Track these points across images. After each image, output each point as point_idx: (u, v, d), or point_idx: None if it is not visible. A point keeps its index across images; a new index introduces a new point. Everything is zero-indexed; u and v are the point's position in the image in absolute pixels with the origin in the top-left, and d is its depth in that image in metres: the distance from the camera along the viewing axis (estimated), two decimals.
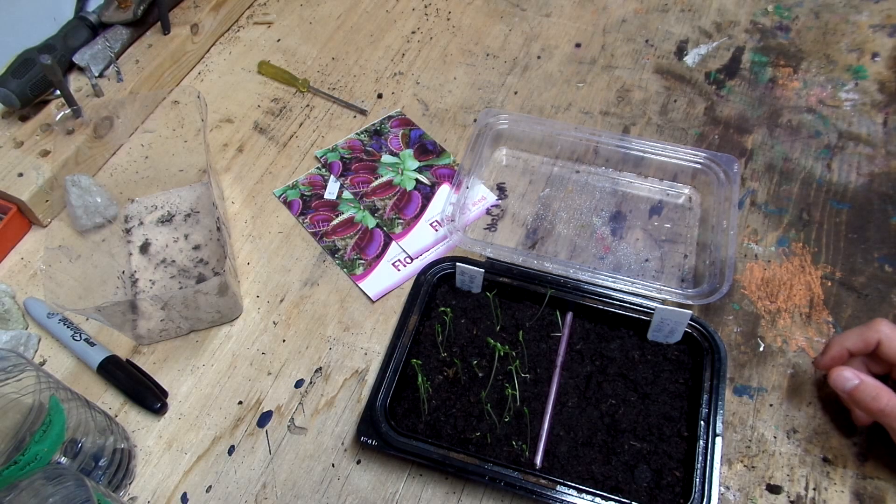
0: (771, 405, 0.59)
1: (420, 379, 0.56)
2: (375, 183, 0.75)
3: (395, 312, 0.66)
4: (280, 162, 0.77)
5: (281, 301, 0.67)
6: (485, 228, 0.71)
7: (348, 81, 0.85)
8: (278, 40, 0.90)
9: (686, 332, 0.59)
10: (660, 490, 0.53)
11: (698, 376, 0.57)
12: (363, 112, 0.81)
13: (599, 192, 0.73)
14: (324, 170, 0.76)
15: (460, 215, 0.68)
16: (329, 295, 0.67)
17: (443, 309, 0.61)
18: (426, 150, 0.78)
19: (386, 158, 0.77)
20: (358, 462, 0.57)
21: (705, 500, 0.51)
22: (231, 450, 0.58)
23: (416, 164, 0.76)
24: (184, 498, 0.56)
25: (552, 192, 0.73)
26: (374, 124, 0.80)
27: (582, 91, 0.82)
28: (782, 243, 0.69)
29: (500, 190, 0.74)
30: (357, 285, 0.67)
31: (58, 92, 0.74)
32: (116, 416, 0.60)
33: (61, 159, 0.71)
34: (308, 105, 0.83)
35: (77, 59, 0.78)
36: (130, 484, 0.57)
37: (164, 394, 0.61)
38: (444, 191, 0.74)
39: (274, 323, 0.66)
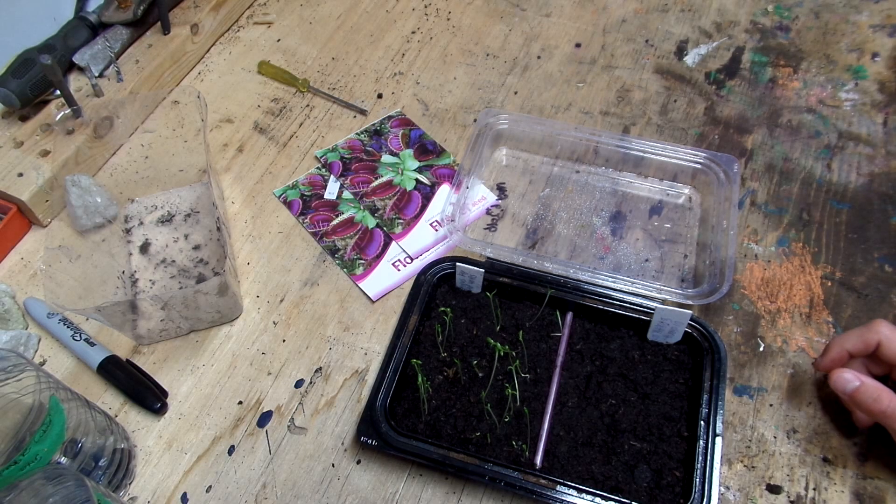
0: (771, 405, 0.59)
1: (420, 379, 0.56)
2: (375, 183, 0.75)
3: (395, 312, 0.66)
4: (280, 162, 0.77)
5: (281, 301, 0.67)
6: (485, 228, 0.71)
7: (348, 81, 0.85)
8: (278, 40, 0.90)
9: (686, 332, 0.59)
10: (660, 490, 0.53)
11: (698, 376, 0.57)
12: (363, 112, 0.81)
13: (599, 192, 0.73)
14: (324, 170, 0.76)
15: (460, 215, 0.68)
16: (329, 295, 0.67)
17: (443, 309, 0.61)
18: (426, 150, 0.78)
19: (386, 158, 0.77)
20: (358, 462, 0.57)
21: (705, 500, 0.51)
22: (231, 450, 0.58)
23: (416, 164, 0.76)
24: (184, 498, 0.56)
25: (552, 192, 0.73)
26: (374, 124, 0.80)
27: (582, 91, 0.82)
28: (782, 243, 0.69)
29: (500, 190, 0.74)
30: (357, 285, 0.67)
31: (58, 92, 0.74)
32: (116, 416, 0.60)
33: (61, 159, 0.71)
34: (308, 105, 0.83)
35: (77, 59, 0.78)
36: (130, 484, 0.57)
37: (164, 394, 0.61)
38: (444, 191, 0.74)
39: (274, 323, 0.66)
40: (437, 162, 0.76)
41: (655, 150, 0.71)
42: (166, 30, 0.84)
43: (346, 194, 0.74)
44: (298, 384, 0.62)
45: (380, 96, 0.83)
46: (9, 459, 0.45)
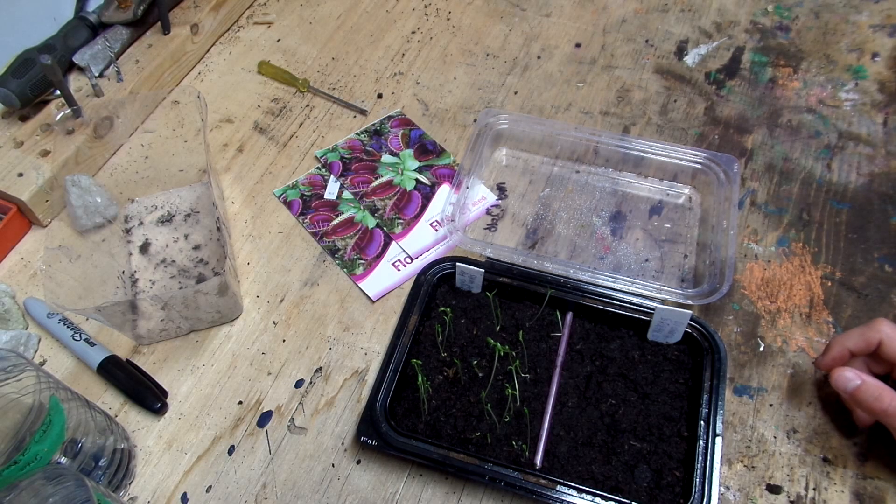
0: (771, 405, 0.59)
1: (420, 379, 0.56)
2: (375, 183, 0.75)
3: (395, 312, 0.66)
4: (280, 162, 0.77)
5: (281, 301, 0.67)
6: (485, 228, 0.71)
7: (348, 81, 0.85)
8: (278, 40, 0.90)
9: (686, 332, 0.59)
10: (660, 490, 0.53)
11: (698, 376, 0.57)
12: (363, 112, 0.81)
13: (599, 192, 0.73)
14: (324, 170, 0.76)
15: (460, 215, 0.68)
16: (329, 295, 0.67)
17: (443, 309, 0.61)
18: (426, 150, 0.78)
19: (386, 158, 0.77)
20: (358, 462, 0.57)
21: (705, 500, 0.51)
22: (231, 450, 0.58)
23: (416, 164, 0.76)
24: (184, 498, 0.56)
25: (552, 192, 0.73)
26: (374, 124, 0.80)
27: (582, 91, 0.82)
28: (782, 243, 0.69)
29: (500, 190, 0.74)
30: (357, 285, 0.67)
31: (58, 92, 0.74)
32: (116, 416, 0.60)
33: (61, 159, 0.71)
34: (308, 105, 0.83)
35: (77, 59, 0.78)
36: (130, 484, 0.57)
37: (164, 394, 0.61)
38: (444, 191, 0.74)
39: (274, 323, 0.66)
40: (437, 162, 0.76)
41: (655, 150, 0.71)
42: (166, 30, 0.84)
43: (346, 194, 0.74)
44: (298, 384, 0.62)
45: (380, 96, 0.83)
46: (9, 459, 0.45)
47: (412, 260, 0.69)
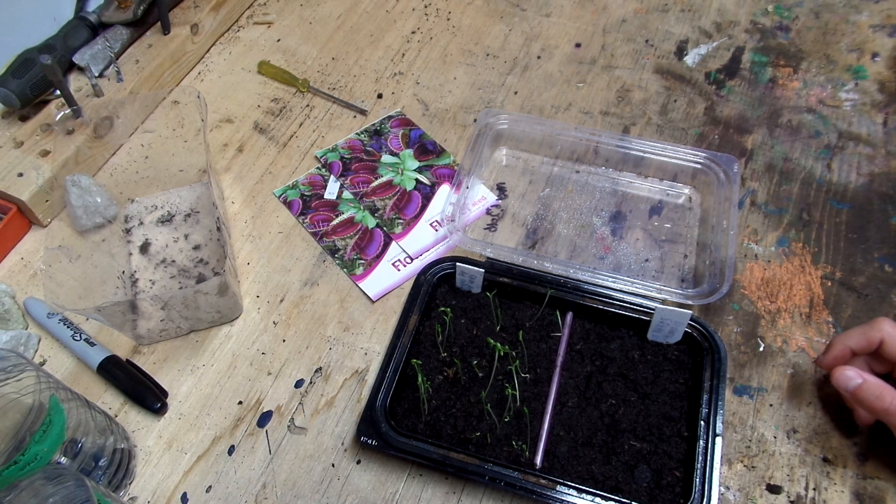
0: (771, 405, 0.59)
1: (420, 379, 0.56)
2: (375, 183, 0.75)
3: (395, 312, 0.66)
4: (280, 162, 0.77)
5: (281, 301, 0.67)
6: (485, 228, 0.71)
7: (348, 81, 0.85)
8: (278, 40, 0.90)
9: (686, 332, 0.59)
10: (660, 490, 0.53)
11: (698, 376, 0.57)
12: (363, 112, 0.81)
13: (599, 192, 0.73)
14: (324, 170, 0.76)
15: (460, 215, 0.68)
16: (329, 295, 0.67)
17: (443, 309, 0.61)
18: (426, 150, 0.78)
19: (386, 158, 0.77)
20: (358, 462, 0.57)
21: (705, 500, 0.51)
22: (231, 450, 0.58)
23: (416, 164, 0.76)
24: (184, 498, 0.56)
25: (552, 192, 0.73)
26: (374, 124, 0.80)
27: (582, 91, 0.82)
28: (782, 243, 0.69)
29: (500, 190, 0.74)
30: (357, 285, 0.67)
31: (58, 92, 0.74)
32: (116, 416, 0.60)
33: (61, 159, 0.71)
34: (308, 105, 0.83)
35: (77, 59, 0.78)
36: (130, 484, 0.57)
37: (164, 394, 0.61)
38: (444, 191, 0.74)
39: (274, 323, 0.66)
40: (437, 162, 0.76)
41: (655, 150, 0.71)
42: (166, 30, 0.84)
43: (346, 194, 0.74)
44: (298, 384, 0.62)
45: (380, 96, 0.83)
46: (9, 459, 0.45)
47: (412, 260, 0.69)
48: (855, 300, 0.64)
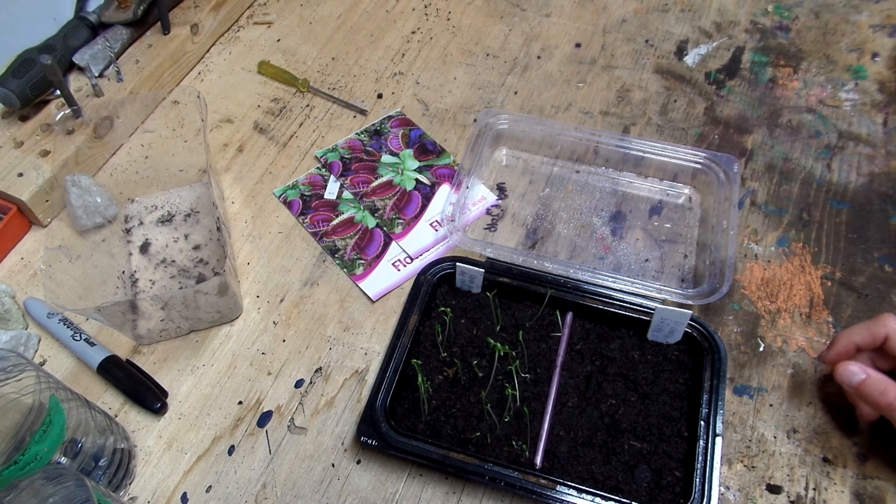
0: (771, 405, 0.59)
1: (420, 379, 0.56)
2: (375, 183, 0.75)
3: (395, 312, 0.66)
4: (280, 162, 0.77)
5: (281, 301, 0.67)
6: (485, 228, 0.71)
7: (348, 81, 0.85)
8: (278, 40, 0.90)
9: (686, 332, 0.59)
10: (660, 490, 0.53)
11: (698, 376, 0.57)
12: (363, 112, 0.81)
13: (599, 192, 0.73)
14: (324, 170, 0.76)
15: (460, 215, 0.68)
16: (329, 295, 0.67)
17: (443, 309, 0.61)
18: (426, 150, 0.78)
19: (386, 158, 0.77)
20: (358, 462, 0.57)
21: (705, 500, 0.51)
22: (231, 450, 0.58)
23: (416, 164, 0.76)
24: (184, 498, 0.56)
25: (552, 192, 0.73)
26: (374, 124, 0.80)
27: (582, 91, 0.82)
28: (782, 243, 0.69)
29: (500, 190, 0.74)
30: (357, 285, 0.67)
31: (58, 92, 0.74)
32: (116, 416, 0.60)
33: (61, 159, 0.71)
34: (308, 105, 0.83)
35: (77, 59, 0.78)
36: (130, 484, 0.57)
37: (164, 394, 0.61)
38: (444, 191, 0.74)
39: (274, 323, 0.66)
40: (437, 162, 0.76)
41: (655, 150, 0.71)
42: (166, 30, 0.84)
43: (346, 194, 0.74)
44: (298, 384, 0.62)
45: (380, 96, 0.83)
46: (9, 459, 0.45)
47: (412, 260, 0.69)
48: (855, 300, 0.64)
